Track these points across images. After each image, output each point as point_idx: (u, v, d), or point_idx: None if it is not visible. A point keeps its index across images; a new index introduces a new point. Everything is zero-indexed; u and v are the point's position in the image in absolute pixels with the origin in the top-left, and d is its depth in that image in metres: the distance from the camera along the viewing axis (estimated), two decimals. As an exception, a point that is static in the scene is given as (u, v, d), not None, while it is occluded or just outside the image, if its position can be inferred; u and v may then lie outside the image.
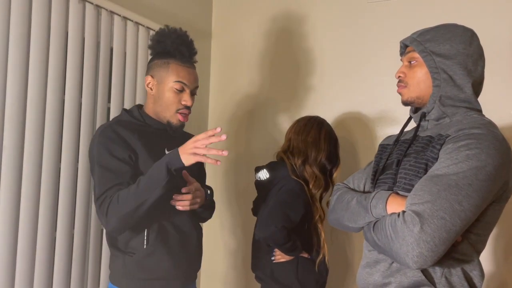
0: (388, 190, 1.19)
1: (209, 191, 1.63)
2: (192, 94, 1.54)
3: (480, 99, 1.23)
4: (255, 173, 1.90)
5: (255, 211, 1.95)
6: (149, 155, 1.44)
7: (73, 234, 1.74)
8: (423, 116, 1.23)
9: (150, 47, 1.55)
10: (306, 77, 2.39)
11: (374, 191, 1.24)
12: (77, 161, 1.75)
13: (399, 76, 1.27)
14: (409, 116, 1.33)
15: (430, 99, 1.20)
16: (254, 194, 1.95)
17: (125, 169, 1.40)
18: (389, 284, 1.15)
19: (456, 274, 1.11)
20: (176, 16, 2.33)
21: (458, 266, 1.11)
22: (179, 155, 1.32)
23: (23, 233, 1.56)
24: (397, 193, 1.15)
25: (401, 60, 1.31)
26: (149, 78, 1.51)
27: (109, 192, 1.37)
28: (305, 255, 1.79)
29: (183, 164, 1.32)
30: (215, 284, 2.56)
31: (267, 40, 2.50)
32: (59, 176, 1.69)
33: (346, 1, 2.31)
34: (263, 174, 1.85)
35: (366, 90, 2.23)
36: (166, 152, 1.51)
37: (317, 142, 1.81)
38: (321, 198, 1.86)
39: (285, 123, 2.40)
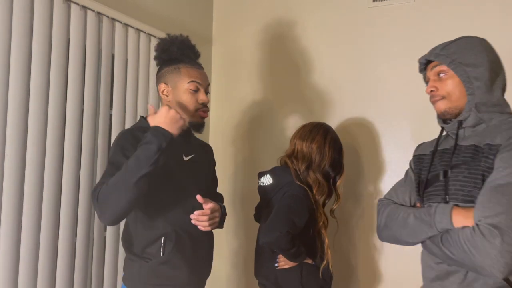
0: (441, 202, 1.22)
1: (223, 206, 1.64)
2: (206, 92, 1.57)
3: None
4: (259, 178, 1.89)
5: (257, 217, 1.94)
6: (167, 160, 1.42)
7: (75, 242, 1.73)
8: (460, 124, 1.26)
9: (156, 57, 1.57)
10: (309, 82, 2.39)
11: (423, 204, 1.29)
12: (79, 168, 1.74)
13: (431, 91, 1.30)
14: (440, 127, 1.35)
15: (465, 107, 1.24)
16: (258, 199, 1.94)
17: None
18: None
19: None
20: (177, 22, 2.34)
21: None
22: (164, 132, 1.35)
23: (25, 240, 1.55)
24: (457, 205, 1.18)
25: (424, 76, 1.36)
26: (162, 86, 1.54)
27: (104, 180, 1.34)
28: (309, 261, 1.78)
29: (171, 135, 1.35)
30: (218, 285, 2.54)
31: (268, 45, 2.50)
32: (61, 183, 1.68)
33: (348, 6, 2.31)
34: (267, 180, 1.84)
35: (370, 96, 2.23)
36: (184, 158, 1.54)
37: (321, 148, 1.81)
38: (324, 204, 1.85)
39: (288, 128, 2.39)
